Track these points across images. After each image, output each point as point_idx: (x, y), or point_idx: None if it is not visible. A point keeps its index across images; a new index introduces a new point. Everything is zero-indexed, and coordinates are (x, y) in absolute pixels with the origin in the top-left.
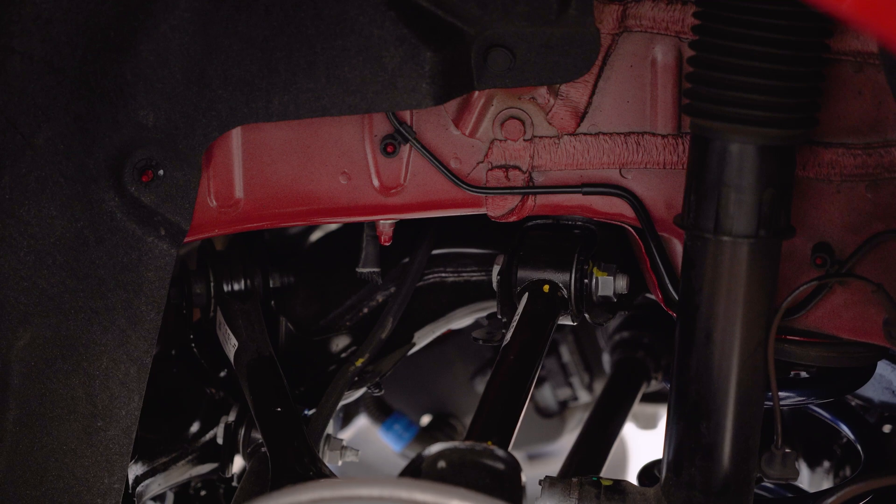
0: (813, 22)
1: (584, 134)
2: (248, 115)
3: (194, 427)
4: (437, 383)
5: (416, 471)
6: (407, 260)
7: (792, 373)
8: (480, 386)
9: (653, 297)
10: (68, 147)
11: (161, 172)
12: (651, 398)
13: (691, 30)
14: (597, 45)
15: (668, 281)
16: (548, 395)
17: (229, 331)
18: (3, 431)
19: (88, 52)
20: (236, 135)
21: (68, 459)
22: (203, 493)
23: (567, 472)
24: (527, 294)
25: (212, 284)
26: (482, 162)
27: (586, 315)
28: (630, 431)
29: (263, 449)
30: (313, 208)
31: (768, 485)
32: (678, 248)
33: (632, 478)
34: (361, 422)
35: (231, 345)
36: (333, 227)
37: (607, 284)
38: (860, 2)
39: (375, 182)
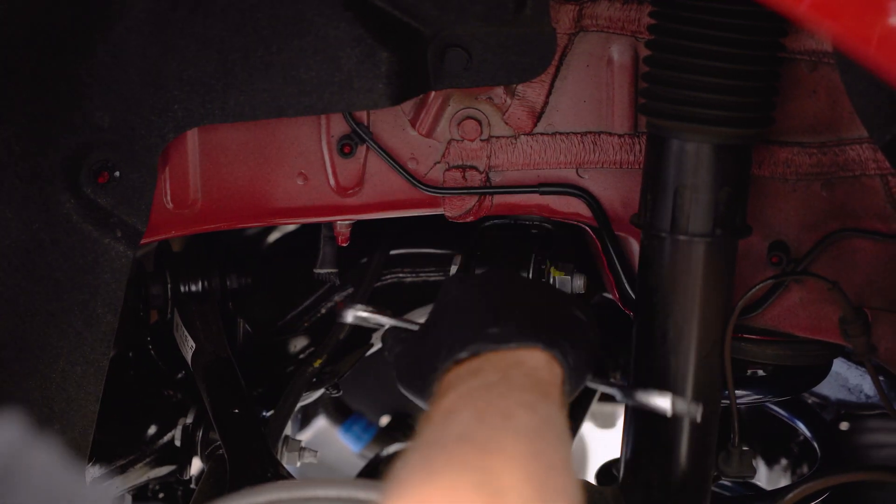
0: (768, 22)
1: (541, 134)
2: (204, 116)
3: (152, 429)
4: (395, 384)
5: (375, 471)
6: (365, 260)
7: (749, 371)
8: None
9: (610, 296)
10: (23, 149)
11: (117, 174)
12: (609, 397)
13: (647, 29)
14: (553, 45)
15: (625, 280)
16: None
17: (186, 332)
18: None
19: (44, 54)
20: (193, 136)
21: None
22: (161, 495)
23: None
24: None
25: (169, 286)
26: (439, 162)
27: None
28: (588, 430)
29: (221, 451)
30: (270, 209)
31: (726, 483)
32: (635, 247)
33: (590, 477)
34: (320, 423)
35: (188, 346)
36: (291, 227)
37: (564, 284)
38: (815, 3)
39: (332, 183)
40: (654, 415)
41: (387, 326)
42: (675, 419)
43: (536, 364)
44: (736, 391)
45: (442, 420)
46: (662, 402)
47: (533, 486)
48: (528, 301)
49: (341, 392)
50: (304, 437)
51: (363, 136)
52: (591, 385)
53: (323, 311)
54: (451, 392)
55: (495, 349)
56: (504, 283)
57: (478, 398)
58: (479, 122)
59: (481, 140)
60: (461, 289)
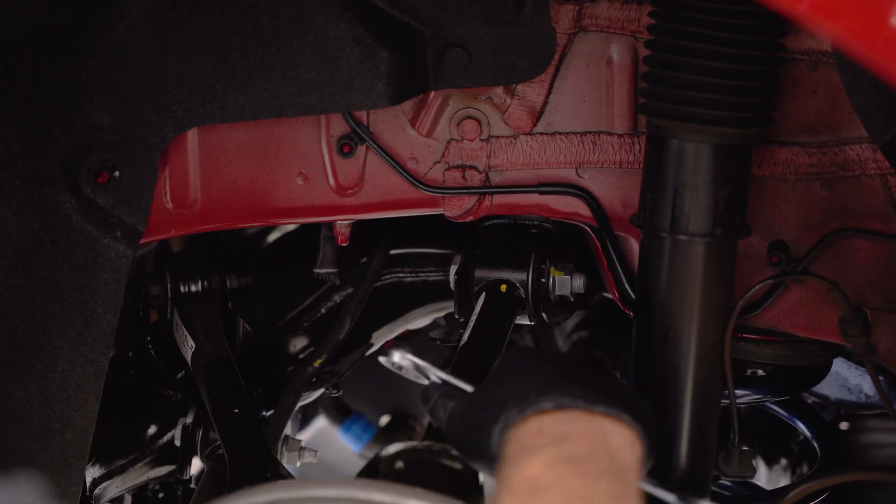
0: (768, 21)
1: (541, 133)
2: (204, 115)
3: (152, 429)
4: (395, 384)
5: (374, 471)
6: (364, 260)
7: (748, 371)
8: None
9: (610, 296)
10: (23, 149)
11: (117, 174)
12: None
13: (647, 29)
14: (553, 44)
15: (624, 280)
16: None
17: (186, 332)
18: None
19: (44, 54)
20: (193, 136)
21: (25, 463)
22: (161, 495)
23: None
24: (484, 294)
25: (169, 286)
26: (439, 162)
27: (544, 314)
28: None
29: (221, 450)
30: (270, 209)
31: (726, 482)
32: (635, 247)
33: None
34: (320, 423)
35: (188, 346)
36: (291, 227)
37: (564, 284)
38: (815, 3)
39: (332, 182)
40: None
41: (431, 380)
42: (675, 418)
43: (622, 442)
44: (736, 391)
45: (527, 495)
46: None
47: None
48: (601, 375)
49: (341, 392)
50: (304, 436)
51: (363, 135)
52: (646, 488)
53: (323, 310)
54: (536, 458)
55: (583, 408)
56: (565, 359)
57: (565, 478)
58: (479, 122)
59: (481, 140)
60: (524, 357)
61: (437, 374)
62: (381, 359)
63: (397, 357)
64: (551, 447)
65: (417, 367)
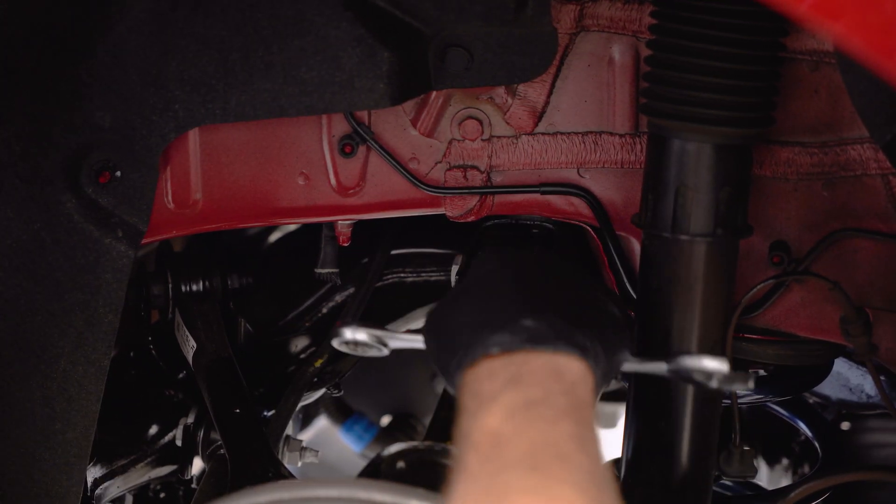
0: (769, 21)
1: (542, 133)
2: (205, 115)
3: (153, 429)
4: (397, 384)
5: (376, 471)
6: (366, 260)
7: (750, 371)
8: (440, 386)
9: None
10: (24, 149)
11: (118, 174)
12: (611, 397)
13: (648, 29)
14: (554, 44)
15: (626, 280)
16: None
17: (188, 332)
18: None
19: (44, 54)
20: (194, 136)
21: (26, 463)
22: (162, 495)
23: None
24: None
25: (170, 286)
26: (440, 162)
27: None
28: None
29: (222, 450)
30: (271, 209)
31: (727, 482)
32: (636, 246)
33: None
34: (321, 423)
35: (189, 346)
36: (292, 227)
37: None
38: (816, 3)
39: (333, 182)
40: (655, 414)
41: (390, 346)
42: (676, 418)
43: (575, 378)
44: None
45: (491, 449)
46: (712, 363)
47: None
48: (564, 291)
49: (342, 392)
50: (306, 436)
51: (364, 135)
52: (632, 368)
53: (324, 310)
54: (493, 408)
55: (531, 349)
56: (540, 267)
57: (526, 427)
58: (481, 122)
59: (482, 140)
60: (496, 264)
61: (395, 338)
62: (334, 342)
63: (349, 333)
64: (506, 393)
65: (374, 337)
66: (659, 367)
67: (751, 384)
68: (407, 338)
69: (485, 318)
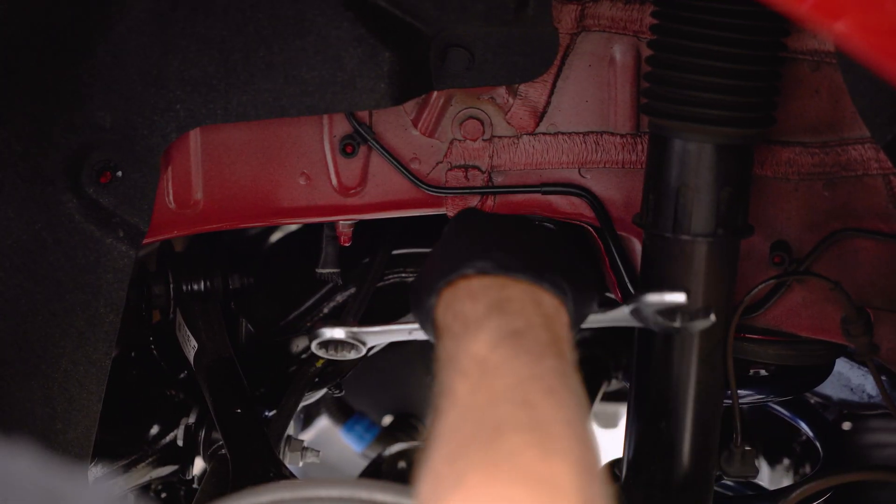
0: (770, 21)
1: (543, 133)
2: (206, 115)
3: (154, 429)
4: (398, 384)
5: (377, 471)
6: (367, 260)
7: (751, 371)
8: None
9: (612, 295)
10: (25, 149)
11: (119, 174)
12: (611, 397)
13: (649, 29)
14: (555, 44)
15: (627, 280)
16: None
17: (189, 332)
18: None
19: (44, 54)
20: (195, 136)
21: None
22: (163, 495)
23: None
24: None
25: (171, 286)
26: (442, 162)
27: None
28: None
29: (223, 451)
30: (273, 209)
31: (728, 482)
32: (637, 246)
33: None
34: (322, 423)
35: (191, 346)
36: (293, 227)
37: None
38: (817, 3)
39: (335, 182)
40: (656, 414)
41: (368, 344)
42: (677, 418)
43: (551, 311)
44: (738, 391)
45: (479, 376)
46: (671, 296)
47: (585, 487)
48: (538, 241)
49: (343, 392)
50: (307, 436)
51: (365, 135)
52: (596, 321)
53: (325, 311)
54: (480, 334)
55: (504, 275)
56: (517, 222)
57: (512, 358)
58: (482, 122)
59: (483, 140)
60: (470, 219)
61: (372, 332)
62: (314, 345)
63: (328, 333)
64: (491, 319)
65: (352, 335)
66: (622, 313)
67: (712, 317)
68: (383, 329)
69: (460, 253)
